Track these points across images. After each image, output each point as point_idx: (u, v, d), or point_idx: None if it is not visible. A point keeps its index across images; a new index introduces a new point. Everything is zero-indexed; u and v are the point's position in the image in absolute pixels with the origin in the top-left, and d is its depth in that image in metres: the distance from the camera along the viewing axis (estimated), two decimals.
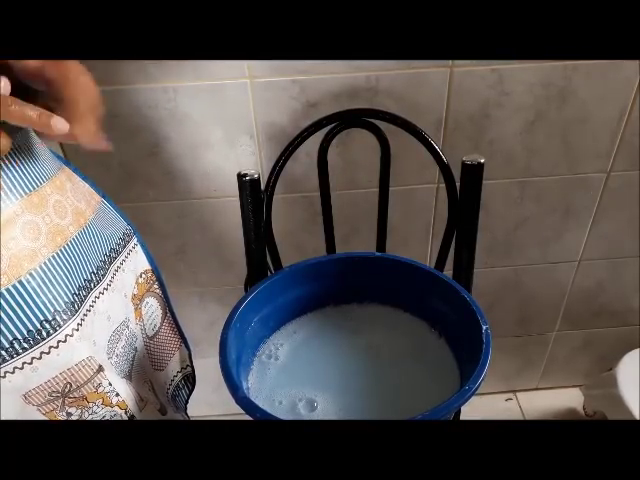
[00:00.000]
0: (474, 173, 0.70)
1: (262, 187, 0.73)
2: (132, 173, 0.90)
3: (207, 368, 1.19)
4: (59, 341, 0.48)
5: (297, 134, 0.74)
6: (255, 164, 0.91)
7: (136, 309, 0.64)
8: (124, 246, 0.62)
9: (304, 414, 0.55)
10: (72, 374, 0.50)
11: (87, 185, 0.61)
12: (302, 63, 0.81)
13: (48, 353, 0.48)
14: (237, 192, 0.70)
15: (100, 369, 0.52)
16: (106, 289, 0.56)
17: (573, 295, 1.14)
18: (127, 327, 0.61)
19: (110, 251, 0.59)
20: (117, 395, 0.55)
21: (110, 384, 0.54)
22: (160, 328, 0.71)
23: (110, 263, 0.58)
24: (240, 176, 0.69)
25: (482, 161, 0.69)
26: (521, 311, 1.17)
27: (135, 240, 0.65)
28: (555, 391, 1.34)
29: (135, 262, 0.65)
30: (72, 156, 0.87)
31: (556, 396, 1.33)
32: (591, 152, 0.93)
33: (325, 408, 0.56)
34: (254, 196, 0.70)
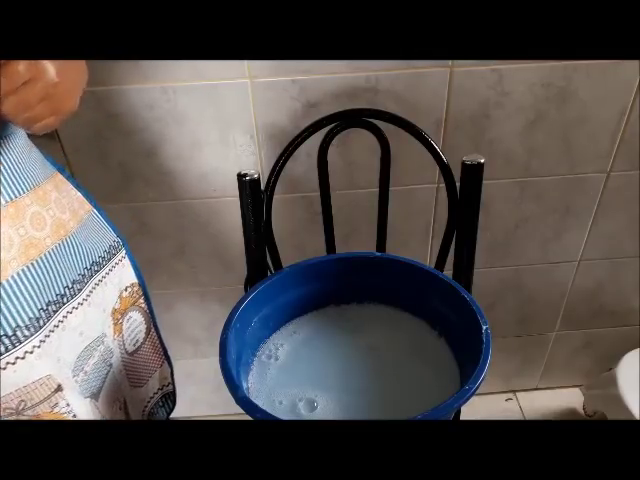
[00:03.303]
0: (474, 173, 0.70)
1: (262, 187, 0.73)
2: (131, 173, 0.90)
3: (207, 368, 1.19)
4: (17, 357, 0.46)
5: (297, 134, 0.74)
6: (255, 164, 0.91)
7: (116, 324, 0.62)
8: (109, 259, 0.61)
9: (304, 414, 0.55)
10: (28, 392, 0.48)
11: (79, 193, 0.59)
12: (302, 63, 0.81)
13: (4, 369, 0.46)
14: (237, 192, 0.70)
15: (59, 389, 0.50)
16: (81, 304, 0.54)
17: (573, 295, 1.14)
18: (102, 343, 0.59)
19: (92, 264, 0.57)
20: (74, 416, 0.53)
21: (68, 404, 0.52)
22: (143, 344, 0.69)
23: (90, 277, 0.57)
24: (240, 176, 0.69)
25: (482, 161, 0.69)
26: (521, 311, 1.17)
27: (123, 252, 0.63)
28: (555, 391, 1.33)
29: (120, 275, 0.63)
30: (72, 155, 0.87)
31: (556, 396, 1.32)
32: (591, 152, 0.93)
33: (325, 408, 0.56)
34: (254, 196, 0.70)
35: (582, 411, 1.27)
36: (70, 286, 0.53)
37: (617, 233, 1.05)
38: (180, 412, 1.29)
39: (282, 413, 0.55)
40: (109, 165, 0.89)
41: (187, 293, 1.07)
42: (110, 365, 0.61)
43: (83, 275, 0.55)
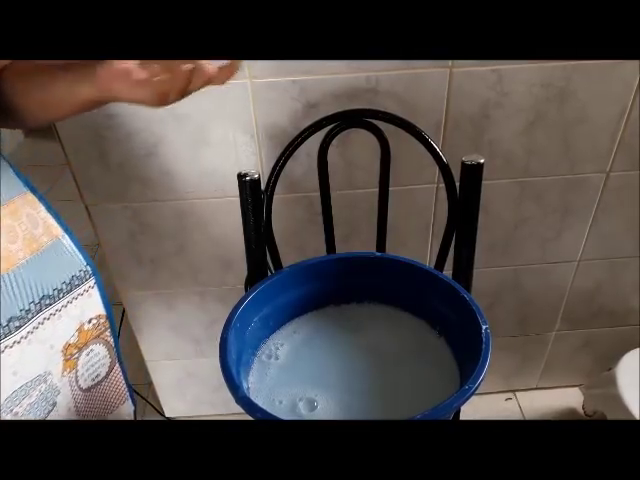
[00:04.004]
0: (474, 173, 0.70)
1: (262, 187, 0.73)
2: (132, 173, 0.90)
3: (207, 368, 1.19)
4: None
5: (297, 134, 0.74)
6: (255, 164, 0.91)
7: (68, 360, 0.58)
8: (69, 290, 0.56)
9: (304, 414, 0.55)
10: None
11: (50, 218, 0.55)
12: (302, 63, 0.81)
13: None
14: (237, 192, 0.70)
15: None
16: (19, 342, 0.50)
17: (573, 295, 1.14)
18: (44, 381, 0.55)
19: (42, 297, 0.52)
20: None
21: None
22: (104, 378, 0.64)
23: (38, 311, 0.52)
24: (240, 176, 0.69)
25: (482, 161, 0.69)
26: (521, 311, 1.17)
27: (92, 282, 0.59)
28: (555, 391, 1.33)
29: (83, 307, 0.58)
30: (72, 155, 0.87)
31: (556, 396, 1.32)
32: (591, 152, 0.93)
33: (325, 408, 0.56)
34: (254, 196, 0.70)
35: (582, 411, 1.27)
36: (5, 324, 0.49)
37: (616, 233, 1.05)
38: (180, 412, 1.29)
39: (282, 413, 0.55)
40: (109, 165, 0.89)
41: (187, 293, 1.07)
42: (54, 404, 0.57)
43: (27, 310, 0.51)
